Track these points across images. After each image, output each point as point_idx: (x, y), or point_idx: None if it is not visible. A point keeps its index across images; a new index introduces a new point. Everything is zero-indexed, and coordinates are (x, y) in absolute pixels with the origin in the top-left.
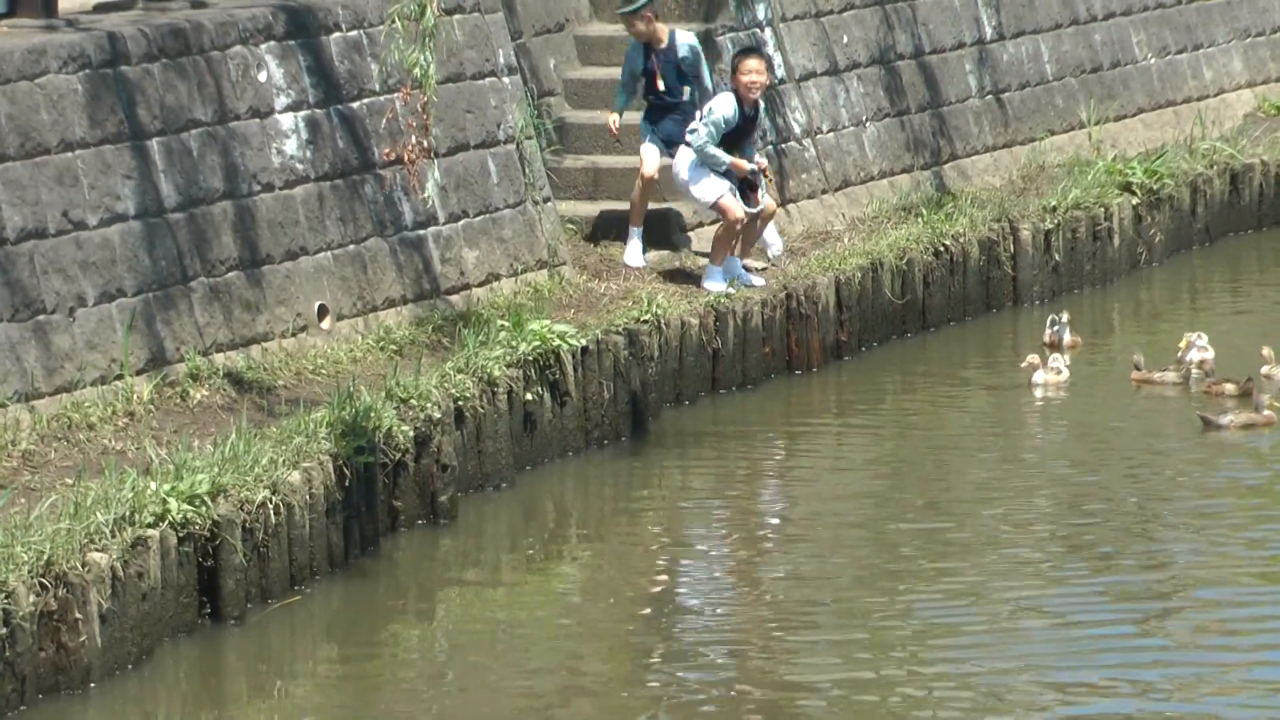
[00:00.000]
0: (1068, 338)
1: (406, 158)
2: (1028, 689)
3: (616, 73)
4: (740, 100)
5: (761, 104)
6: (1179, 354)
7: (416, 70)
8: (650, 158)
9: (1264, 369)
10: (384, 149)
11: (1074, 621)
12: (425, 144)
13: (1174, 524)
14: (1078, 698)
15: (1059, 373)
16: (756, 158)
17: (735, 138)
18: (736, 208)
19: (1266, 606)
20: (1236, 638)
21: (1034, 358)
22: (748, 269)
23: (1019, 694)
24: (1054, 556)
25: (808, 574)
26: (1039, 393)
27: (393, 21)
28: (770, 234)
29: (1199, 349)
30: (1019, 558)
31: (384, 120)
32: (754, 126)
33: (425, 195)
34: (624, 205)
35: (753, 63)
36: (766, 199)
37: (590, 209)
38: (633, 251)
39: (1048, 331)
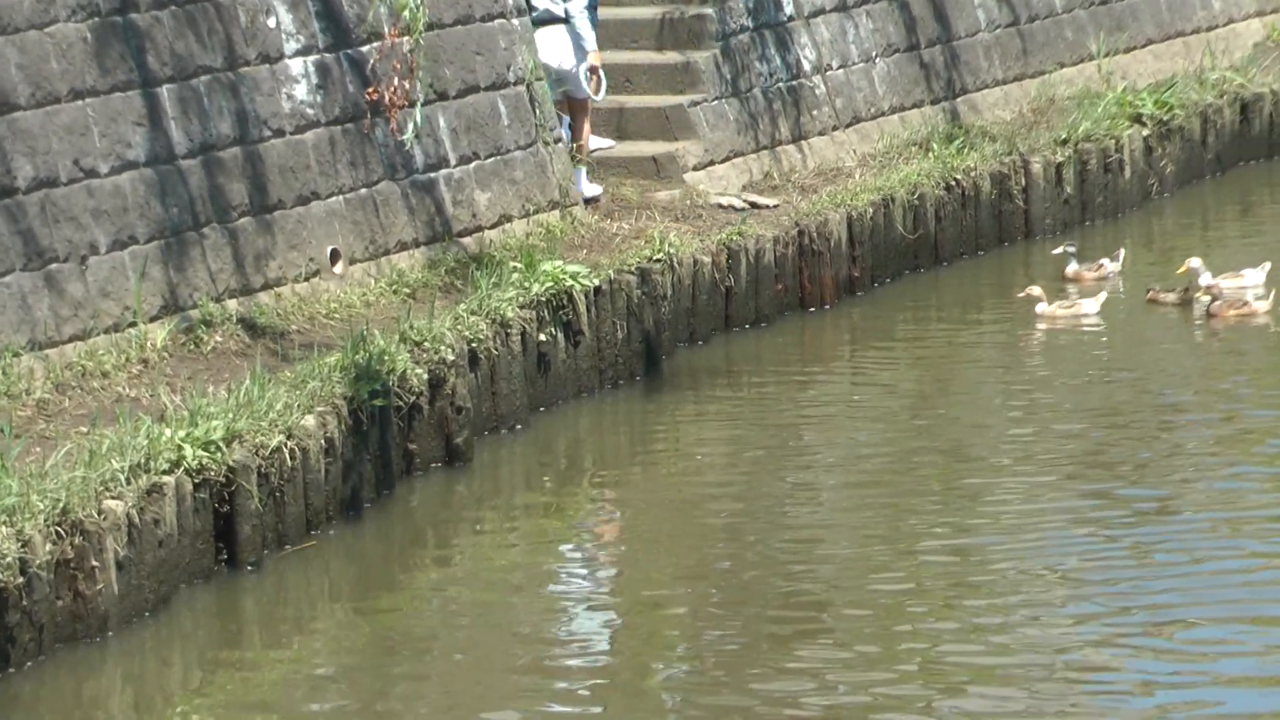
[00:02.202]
0: (1073, 267)
1: (389, 100)
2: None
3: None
4: None
5: None
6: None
7: (405, 13)
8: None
9: None
10: (368, 90)
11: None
12: (408, 88)
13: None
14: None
15: (1070, 305)
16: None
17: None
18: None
19: None
20: None
21: (1034, 289)
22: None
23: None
24: (1095, 488)
25: (827, 516)
26: (1042, 325)
27: None
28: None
29: (1193, 270)
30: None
31: (370, 64)
32: None
33: (406, 138)
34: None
35: None
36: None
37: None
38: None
39: (1108, 264)
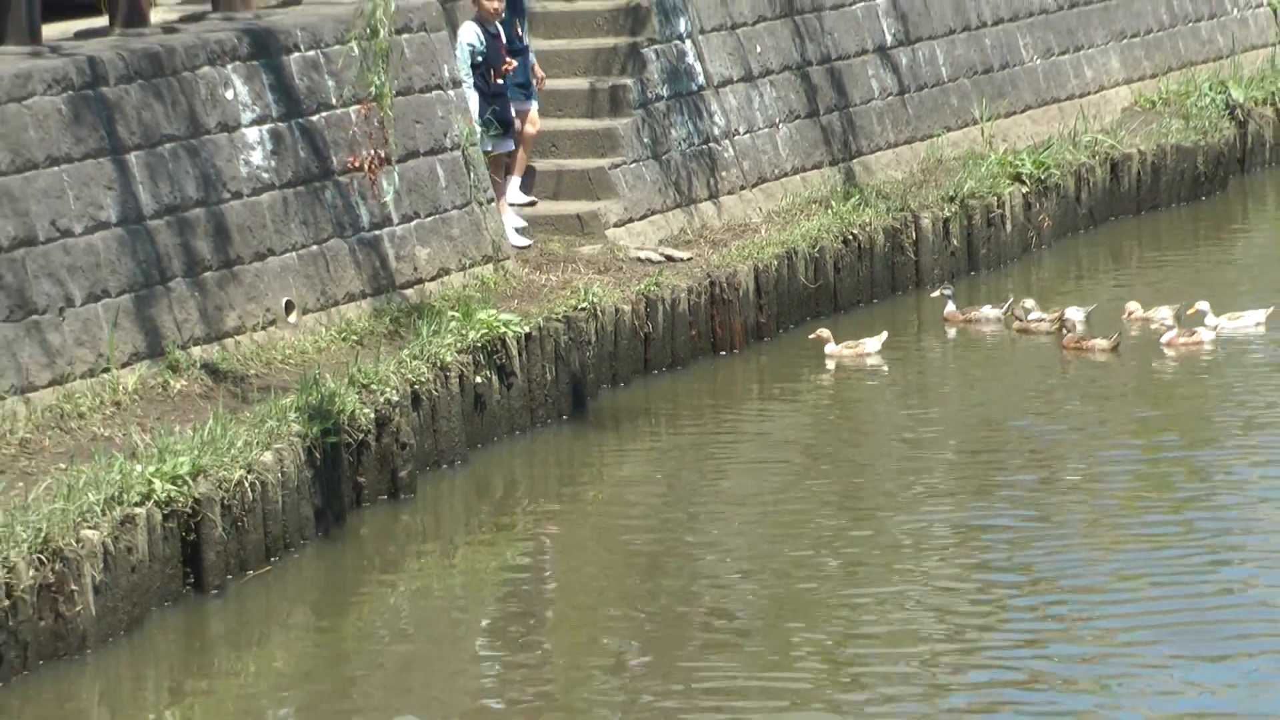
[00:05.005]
0: (950, 308)
1: (368, 168)
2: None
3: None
4: (482, 23)
5: (500, 17)
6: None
7: (372, 89)
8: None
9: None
10: (348, 158)
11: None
12: (383, 154)
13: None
14: None
15: (854, 345)
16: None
17: (493, 60)
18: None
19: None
20: None
21: (824, 331)
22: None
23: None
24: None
25: (743, 545)
26: (831, 364)
27: (349, 44)
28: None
29: (1025, 308)
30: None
31: (348, 132)
32: (502, 42)
33: (385, 200)
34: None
35: None
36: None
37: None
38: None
39: (988, 310)
